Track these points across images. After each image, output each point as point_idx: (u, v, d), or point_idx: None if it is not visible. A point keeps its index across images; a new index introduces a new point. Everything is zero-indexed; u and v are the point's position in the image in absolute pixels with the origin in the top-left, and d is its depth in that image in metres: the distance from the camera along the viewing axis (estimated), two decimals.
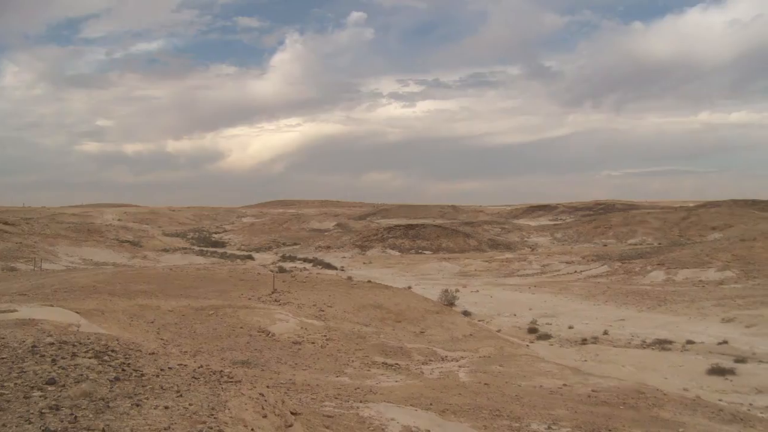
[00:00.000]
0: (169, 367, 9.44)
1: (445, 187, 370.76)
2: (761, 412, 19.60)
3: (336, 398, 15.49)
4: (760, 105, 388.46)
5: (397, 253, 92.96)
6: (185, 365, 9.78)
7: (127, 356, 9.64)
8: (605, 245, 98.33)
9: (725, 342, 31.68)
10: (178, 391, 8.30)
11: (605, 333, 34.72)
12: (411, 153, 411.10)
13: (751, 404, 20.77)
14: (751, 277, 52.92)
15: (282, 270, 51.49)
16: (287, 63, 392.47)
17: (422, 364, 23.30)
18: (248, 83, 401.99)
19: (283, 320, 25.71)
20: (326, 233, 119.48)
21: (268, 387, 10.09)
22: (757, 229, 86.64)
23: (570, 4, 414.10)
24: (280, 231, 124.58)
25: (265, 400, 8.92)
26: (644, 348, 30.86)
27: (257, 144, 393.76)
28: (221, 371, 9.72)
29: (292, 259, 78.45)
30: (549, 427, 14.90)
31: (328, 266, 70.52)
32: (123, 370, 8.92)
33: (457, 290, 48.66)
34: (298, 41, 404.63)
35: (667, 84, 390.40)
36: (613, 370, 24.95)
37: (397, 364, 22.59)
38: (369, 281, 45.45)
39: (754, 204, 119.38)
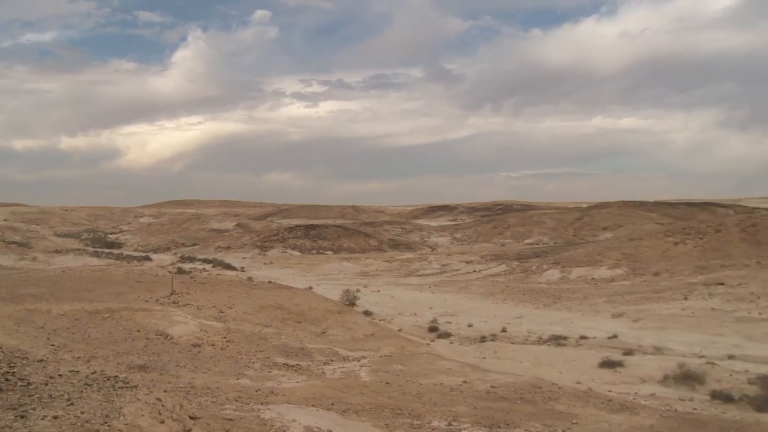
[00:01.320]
0: (59, 375, 9.03)
1: (346, 187, 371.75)
2: (645, 400, 20.51)
3: (237, 401, 15.24)
4: (647, 112, 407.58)
5: (298, 254, 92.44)
6: (77, 372, 9.39)
7: (12, 365, 9.17)
8: (503, 245, 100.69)
9: (615, 336, 32.97)
10: (68, 400, 7.95)
11: (503, 330, 35.52)
12: (313, 153, 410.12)
13: (636, 393, 21.70)
14: (639, 274, 55.25)
15: (181, 271, 50.34)
16: (189, 60, 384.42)
17: (324, 364, 23.22)
18: (148, 80, 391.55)
19: (182, 322, 25.12)
20: (226, 233, 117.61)
21: (166, 391, 9.82)
22: (644, 229, 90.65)
23: (472, 9, 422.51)
24: (179, 231, 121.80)
25: (163, 405, 8.68)
26: (540, 344, 31.75)
27: (156, 142, 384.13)
28: (116, 377, 9.39)
29: (192, 260, 76.80)
30: (449, 424, 15.10)
31: (228, 267, 69.41)
32: (7, 380, 8.46)
33: (358, 290, 48.78)
34: (201, 38, 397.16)
35: (563, 89, 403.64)
36: (511, 366, 25.55)
37: (298, 364, 22.44)
38: (270, 282, 45.01)
39: (641, 205, 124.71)
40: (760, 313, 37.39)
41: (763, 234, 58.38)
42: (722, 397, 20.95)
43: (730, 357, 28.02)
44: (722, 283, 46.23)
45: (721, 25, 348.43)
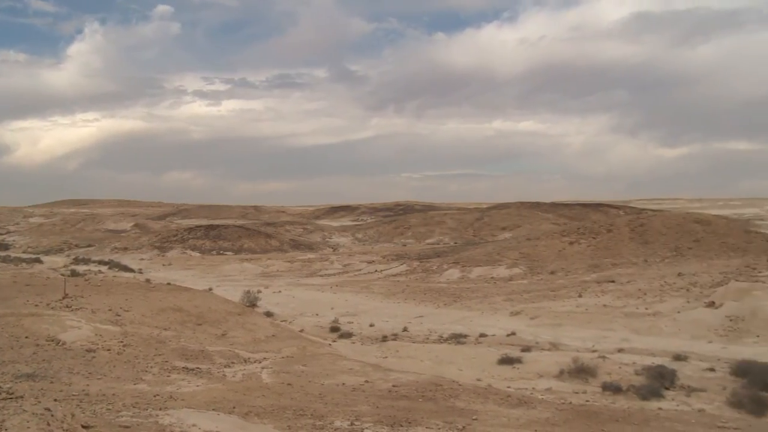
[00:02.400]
0: None
1: (248, 187, 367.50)
2: (541, 394, 21.15)
3: (134, 407, 14.81)
4: (544, 116, 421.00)
5: (198, 255, 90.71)
6: None
7: None
8: (405, 245, 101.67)
9: (513, 333, 33.81)
10: None
11: (405, 330, 35.85)
12: (214, 152, 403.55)
13: (534, 388, 22.33)
14: (536, 273, 56.85)
15: (74, 273, 48.50)
16: (86, 54, 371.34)
17: (224, 366, 22.85)
18: (41, 73, 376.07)
19: (75, 327, 24.22)
20: (123, 234, 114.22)
21: (56, 400, 9.44)
22: (541, 229, 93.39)
23: (377, 11, 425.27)
24: (73, 232, 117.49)
25: (52, 416, 8.33)
26: (441, 342, 32.20)
27: (49, 139, 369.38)
28: None
29: (86, 261, 74.17)
30: (352, 424, 15.13)
31: (125, 269, 67.40)
32: None
33: (259, 291, 48.25)
34: (99, 31, 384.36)
35: (465, 93, 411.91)
36: (413, 365, 25.81)
37: (198, 368, 22.00)
38: (168, 283, 43.96)
39: (538, 206, 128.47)
40: (646, 308, 39.10)
41: (650, 234, 61.10)
42: (612, 389, 21.84)
43: (620, 350, 29.20)
44: (613, 281, 48.10)
45: (613, 36, 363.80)
